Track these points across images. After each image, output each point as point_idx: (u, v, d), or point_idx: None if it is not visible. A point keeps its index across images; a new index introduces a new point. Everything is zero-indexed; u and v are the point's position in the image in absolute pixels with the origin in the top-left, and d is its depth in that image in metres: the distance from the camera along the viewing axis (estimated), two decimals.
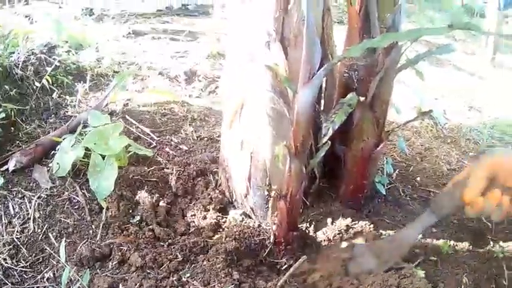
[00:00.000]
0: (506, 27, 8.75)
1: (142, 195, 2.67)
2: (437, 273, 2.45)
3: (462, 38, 8.72)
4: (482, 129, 4.62)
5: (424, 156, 3.71)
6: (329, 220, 2.66)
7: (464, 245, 2.71)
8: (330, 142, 2.20)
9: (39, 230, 2.44)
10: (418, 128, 4.27)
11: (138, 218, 2.56)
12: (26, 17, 5.03)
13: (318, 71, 1.94)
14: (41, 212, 2.53)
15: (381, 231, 2.65)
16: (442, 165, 3.61)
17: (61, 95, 3.67)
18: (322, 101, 2.76)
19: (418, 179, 3.32)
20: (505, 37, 7.84)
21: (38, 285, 2.22)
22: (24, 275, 2.26)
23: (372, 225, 2.62)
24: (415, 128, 4.25)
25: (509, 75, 7.07)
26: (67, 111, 3.48)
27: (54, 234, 2.43)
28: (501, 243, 2.77)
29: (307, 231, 2.62)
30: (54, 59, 3.83)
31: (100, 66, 4.31)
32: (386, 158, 3.21)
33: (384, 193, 2.94)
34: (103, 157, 2.66)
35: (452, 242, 2.71)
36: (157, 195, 2.72)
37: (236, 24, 2.44)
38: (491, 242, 2.76)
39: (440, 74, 6.24)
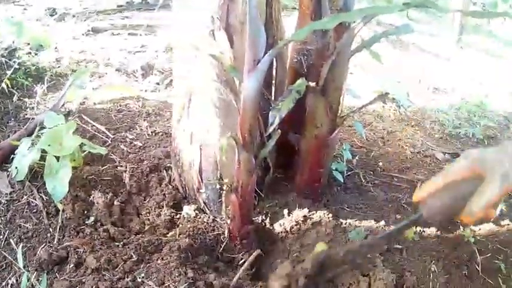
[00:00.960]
0: (473, 8, 8.74)
1: (97, 195, 2.59)
2: (403, 262, 2.40)
3: (427, 20, 8.70)
4: (448, 110, 4.59)
5: (386, 140, 3.67)
6: (285, 211, 2.60)
7: (432, 231, 2.66)
8: (280, 131, 2.15)
9: (1, 237, 2.38)
10: (380, 112, 4.23)
11: (92, 218, 2.49)
12: None
13: (263, 57, 1.86)
14: (2, 218, 2.47)
15: (340, 220, 2.59)
16: (405, 149, 3.57)
17: (21, 98, 3.60)
18: (274, 89, 2.68)
19: (381, 164, 3.28)
20: (471, 17, 7.80)
21: None
22: None
23: (330, 215, 2.56)
24: (376, 112, 4.22)
25: (475, 56, 7.08)
26: (26, 114, 3.41)
27: (15, 239, 2.37)
28: (472, 227, 2.73)
29: (263, 224, 2.56)
30: (14, 61, 3.76)
31: (59, 66, 4.23)
32: (343, 144, 3.16)
33: (343, 180, 2.89)
34: (58, 158, 2.58)
35: (418, 228, 2.66)
36: (111, 194, 2.64)
37: (180, 13, 2.35)
38: (461, 227, 2.72)
39: (404, 57, 6.22)
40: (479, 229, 2.72)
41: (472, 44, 7.63)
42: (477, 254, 2.52)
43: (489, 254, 2.54)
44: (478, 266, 2.46)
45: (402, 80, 5.09)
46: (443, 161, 3.54)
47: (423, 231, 2.65)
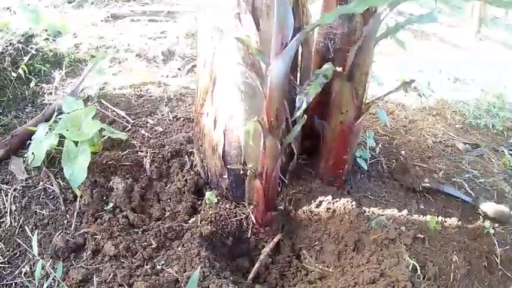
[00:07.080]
0: None
1: (116, 181, 2.57)
2: (425, 252, 2.37)
3: (447, 11, 8.64)
4: (468, 101, 4.55)
5: (408, 129, 3.63)
6: (309, 198, 2.56)
7: (453, 221, 2.64)
8: (306, 116, 2.10)
9: (16, 224, 2.36)
10: (402, 101, 4.18)
11: (111, 204, 2.47)
12: (7, 8, 4.90)
13: (291, 41, 1.83)
14: (17, 205, 2.44)
15: (364, 208, 2.55)
16: (427, 138, 3.53)
17: (38, 84, 3.56)
18: (299, 74, 2.63)
19: (403, 152, 3.24)
20: (489, 10, 7.73)
21: (15, 280, 2.15)
22: (2, 271, 2.19)
23: (354, 202, 2.52)
24: (399, 101, 4.17)
25: (493, 48, 7.02)
26: (44, 100, 3.38)
27: (30, 226, 2.35)
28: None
29: (286, 211, 2.53)
30: (31, 48, 3.71)
31: (78, 52, 4.17)
32: (367, 132, 3.12)
33: (366, 168, 2.86)
34: (76, 144, 2.55)
35: (440, 218, 2.63)
36: (131, 179, 2.62)
37: None
38: (481, 217, 2.69)
39: (425, 47, 6.17)
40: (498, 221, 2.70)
41: (491, 36, 7.56)
42: (497, 245, 2.50)
43: (507, 247, 2.53)
44: (497, 258, 2.46)
45: (423, 70, 5.03)
46: (464, 151, 3.50)
47: (444, 221, 2.62)
